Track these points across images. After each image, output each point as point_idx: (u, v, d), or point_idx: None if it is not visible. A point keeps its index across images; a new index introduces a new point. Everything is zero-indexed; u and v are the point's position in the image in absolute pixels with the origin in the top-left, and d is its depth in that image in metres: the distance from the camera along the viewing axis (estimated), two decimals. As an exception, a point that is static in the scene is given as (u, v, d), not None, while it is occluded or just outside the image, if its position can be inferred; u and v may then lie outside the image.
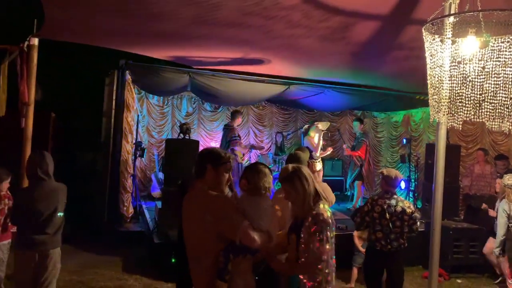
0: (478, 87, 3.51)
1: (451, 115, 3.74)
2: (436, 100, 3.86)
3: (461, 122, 3.69)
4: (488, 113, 3.51)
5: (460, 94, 3.60)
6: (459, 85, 3.60)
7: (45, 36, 5.57)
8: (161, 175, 9.50)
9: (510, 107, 3.45)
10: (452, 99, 3.67)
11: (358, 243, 5.95)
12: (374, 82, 9.22)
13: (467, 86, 3.57)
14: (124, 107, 7.86)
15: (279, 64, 7.67)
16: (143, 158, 9.65)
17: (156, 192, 9.58)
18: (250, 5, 4.45)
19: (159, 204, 7.42)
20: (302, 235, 2.81)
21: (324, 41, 5.83)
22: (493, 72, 3.44)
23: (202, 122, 11.12)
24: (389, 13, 4.73)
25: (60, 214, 3.89)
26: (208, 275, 2.70)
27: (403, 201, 4.62)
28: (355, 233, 6.04)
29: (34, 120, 5.61)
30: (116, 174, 7.87)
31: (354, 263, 5.99)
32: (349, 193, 10.11)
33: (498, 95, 3.46)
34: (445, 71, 3.70)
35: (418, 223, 4.66)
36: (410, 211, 4.55)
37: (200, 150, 3.79)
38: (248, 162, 10.53)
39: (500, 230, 5.76)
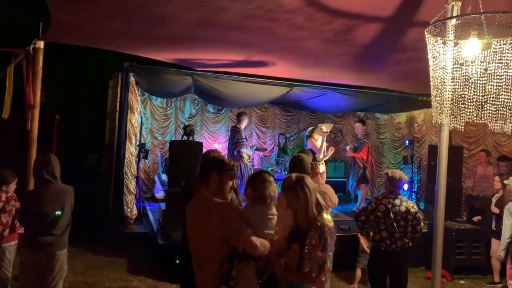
0: (481, 88, 3.53)
1: (453, 116, 3.76)
2: (438, 101, 3.88)
3: (463, 124, 3.72)
4: (490, 114, 3.53)
5: (463, 95, 3.62)
6: (462, 87, 3.62)
7: (50, 39, 5.62)
8: (164, 177, 9.55)
9: (512, 109, 3.47)
10: (454, 100, 3.70)
11: (364, 243, 5.97)
12: (376, 84, 9.24)
13: (470, 88, 3.59)
14: (128, 109, 7.90)
15: (282, 66, 7.71)
16: (146, 160, 9.69)
17: (160, 194, 9.63)
18: (253, 8, 4.48)
19: (163, 205, 7.47)
20: (307, 246, 2.83)
21: (327, 44, 5.85)
22: (495, 74, 3.46)
23: (205, 124, 11.17)
24: (391, 15, 4.75)
25: (58, 213, 3.86)
26: (212, 280, 2.73)
27: (407, 201, 4.64)
28: (361, 236, 6.06)
29: (39, 122, 5.67)
30: (120, 176, 7.91)
31: (358, 264, 6.01)
32: (352, 195, 10.09)
33: (500, 97, 3.48)
34: (447, 73, 3.72)
35: (422, 223, 4.67)
36: (414, 211, 4.57)
37: (204, 152, 3.80)
38: (252, 164, 10.58)
39: (506, 232, 5.73)
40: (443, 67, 3.74)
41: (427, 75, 3.85)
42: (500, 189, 6.40)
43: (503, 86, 3.46)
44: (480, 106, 3.57)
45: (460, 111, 3.67)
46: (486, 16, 3.40)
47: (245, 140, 8.60)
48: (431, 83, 3.89)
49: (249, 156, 8.74)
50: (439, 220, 4.40)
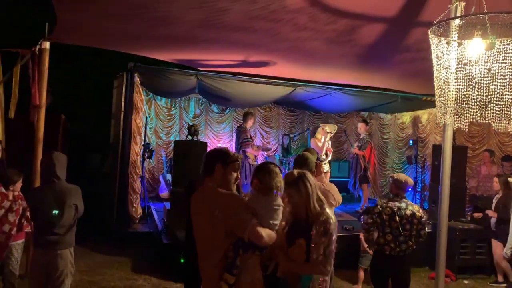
0: (484, 88, 3.54)
1: (457, 116, 3.77)
2: (442, 101, 3.89)
3: (467, 124, 3.73)
4: (494, 114, 3.54)
5: (467, 95, 3.64)
6: (465, 87, 3.63)
7: (56, 40, 5.66)
8: (169, 176, 9.58)
9: (516, 109, 3.48)
10: (458, 100, 3.71)
11: (366, 244, 5.97)
12: (380, 84, 9.24)
13: (473, 88, 3.60)
14: (133, 109, 7.94)
15: (285, 66, 7.72)
16: (151, 160, 9.73)
17: (164, 193, 9.67)
18: (257, 9, 4.51)
19: (167, 205, 7.50)
20: (313, 239, 2.89)
21: (331, 44, 5.87)
22: (499, 74, 3.47)
23: (209, 123, 11.20)
24: (395, 16, 4.76)
25: (55, 212, 3.89)
26: (216, 270, 2.75)
27: (412, 205, 4.63)
28: (362, 235, 6.08)
29: (45, 122, 5.71)
30: (124, 176, 7.95)
31: (360, 264, 6.03)
32: (356, 195, 10.09)
33: (504, 97, 3.49)
34: (451, 73, 3.73)
35: (426, 228, 4.67)
36: (420, 215, 4.55)
37: (208, 151, 3.84)
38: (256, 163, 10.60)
39: None
40: (447, 67, 3.75)
41: (431, 75, 3.86)
42: (500, 190, 6.40)
43: (507, 86, 3.47)
44: (484, 106, 3.58)
45: (464, 111, 3.69)
46: (490, 16, 3.41)
47: (250, 139, 8.62)
48: (435, 83, 3.90)
49: (255, 156, 8.76)
50: (443, 220, 4.40)
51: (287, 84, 8.95)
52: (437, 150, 7.99)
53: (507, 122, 3.53)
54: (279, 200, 2.90)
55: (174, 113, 10.85)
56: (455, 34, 3.67)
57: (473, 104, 3.60)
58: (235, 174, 2.96)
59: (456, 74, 3.69)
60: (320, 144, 8.50)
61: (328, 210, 3.01)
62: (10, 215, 4.36)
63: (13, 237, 4.50)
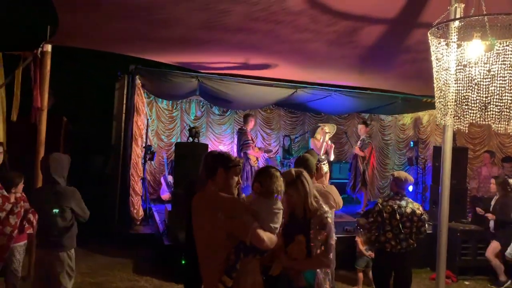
0: (484, 89, 3.56)
1: (457, 117, 3.79)
2: (442, 103, 3.91)
3: (467, 125, 3.75)
4: (494, 115, 3.56)
5: (466, 97, 3.66)
6: (465, 88, 3.65)
7: (58, 43, 5.70)
8: (170, 178, 9.60)
9: (516, 110, 3.50)
10: (458, 102, 3.73)
11: (362, 246, 6.02)
12: (381, 85, 9.25)
13: (473, 89, 3.62)
14: (134, 111, 7.96)
15: (286, 68, 7.75)
16: (152, 162, 9.75)
17: (166, 195, 9.69)
18: (257, 11, 4.54)
19: (168, 206, 7.51)
20: (312, 234, 2.96)
21: (332, 45, 5.89)
22: (499, 75, 3.49)
23: (211, 125, 11.21)
24: (396, 17, 4.79)
25: (56, 211, 3.95)
26: (217, 272, 2.78)
27: (412, 203, 4.66)
28: (358, 238, 6.11)
29: (46, 125, 5.74)
30: (126, 178, 7.98)
31: (357, 266, 6.06)
32: (353, 196, 10.04)
33: (504, 98, 3.51)
34: (451, 74, 3.75)
35: (427, 225, 4.69)
36: (420, 212, 4.58)
37: (207, 152, 3.85)
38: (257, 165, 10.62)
39: None
40: (447, 69, 3.77)
41: (431, 76, 3.88)
42: (497, 191, 6.41)
43: (507, 87, 3.49)
44: (483, 107, 3.60)
45: (464, 112, 3.71)
46: (489, 18, 3.43)
47: (251, 141, 8.62)
48: (435, 85, 3.92)
49: (256, 158, 8.77)
50: (443, 220, 4.43)
51: (288, 86, 8.97)
52: (438, 151, 8.00)
53: (506, 123, 3.55)
54: (280, 204, 2.93)
55: (175, 115, 10.87)
56: (454, 35, 3.69)
57: (473, 105, 3.62)
58: (236, 178, 2.99)
59: (456, 75, 3.71)
60: (318, 145, 8.48)
61: (324, 205, 3.09)
62: (11, 218, 4.38)
63: (15, 239, 4.52)
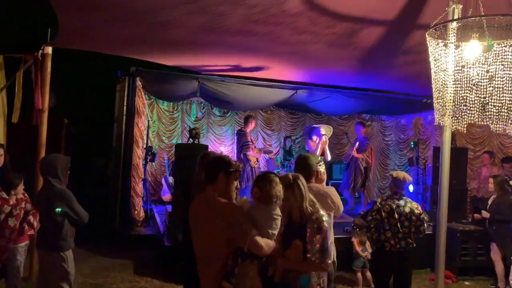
0: (482, 90, 3.57)
1: (455, 118, 3.81)
2: (440, 103, 3.93)
3: (465, 125, 3.77)
4: (492, 115, 3.58)
5: (464, 97, 3.67)
6: (463, 89, 3.67)
7: (58, 45, 5.74)
8: (171, 179, 9.62)
9: (514, 110, 3.51)
10: (456, 102, 3.75)
11: (358, 247, 6.04)
12: (381, 86, 9.26)
13: (471, 90, 3.63)
14: (135, 113, 7.99)
15: (286, 69, 7.78)
16: (153, 163, 9.78)
17: (167, 196, 9.71)
18: (256, 13, 4.56)
19: (169, 207, 7.54)
20: (308, 237, 2.97)
21: (331, 47, 5.91)
22: (497, 76, 3.51)
23: (211, 127, 11.24)
24: (395, 18, 4.80)
25: (58, 209, 4.00)
26: (216, 278, 2.79)
27: (411, 202, 4.68)
28: (354, 239, 6.13)
29: (48, 126, 5.78)
30: (127, 179, 8.00)
31: (354, 267, 6.08)
32: (350, 199, 10.00)
33: (502, 98, 3.52)
34: (449, 75, 3.77)
35: (426, 224, 4.71)
36: (418, 212, 4.61)
37: (203, 154, 3.86)
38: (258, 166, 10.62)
39: None
40: (445, 70, 3.79)
41: (431, 77, 3.90)
42: (495, 191, 6.40)
43: (504, 88, 3.50)
44: (482, 108, 3.62)
45: (462, 112, 3.73)
46: (487, 19, 3.45)
47: (250, 143, 8.63)
48: (433, 85, 3.94)
49: (256, 159, 8.78)
50: (442, 221, 4.44)
51: (288, 87, 9.01)
52: (438, 152, 7.99)
53: (504, 123, 3.56)
54: (278, 210, 2.95)
55: (176, 116, 10.91)
56: (452, 36, 3.71)
57: (471, 105, 3.64)
58: (236, 183, 3.02)
59: (454, 76, 3.73)
60: (314, 146, 8.48)
61: (321, 212, 3.09)
62: (10, 220, 4.40)
63: (15, 240, 4.54)
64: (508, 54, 3.44)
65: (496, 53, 3.48)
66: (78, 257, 4.25)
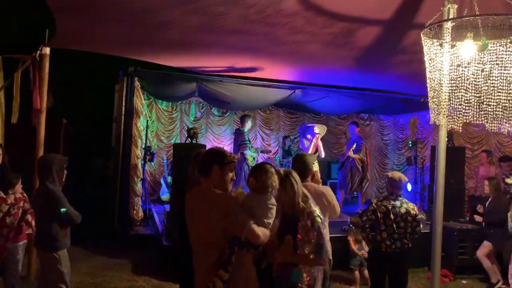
0: (477, 89, 3.59)
1: (450, 117, 3.83)
2: (436, 103, 3.95)
3: (461, 124, 3.78)
4: (487, 115, 3.59)
5: (459, 96, 3.69)
6: (459, 88, 3.69)
7: (56, 45, 5.76)
8: (170, 179, 9.65)
9: (509, 109, 3.53)
10: (451, 101, 3.76)
11: (354, 246, 6.07)
12: (379, 86, 9.28)
13: (466, 89, 3.65)
14: (133, 113, 8.02)
15: (284, 69, 7.79)
16: (152, 163, 9.80)
17: (165, 196, 9.74)
18: (253, 13, 4.58)
19: (168, 207, 7.56)
20: (299, 233, 2.99)
21: (328, 47, 5.93)
22: (492, 75, 3.53)
23: (210, 126, 11.27)
24: (391, 18, 4.82)
25: (64, 209, 4.05)
26: (212, 267, 2.82)
27: (407, 203, 4.69)
28: (350, 238, 6.15)
29: (46, 126, 5.80)
30: (126, 179, 8.04)
31: (351, 266, 6.10)
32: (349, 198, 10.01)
33: (496, 97, 3.54)
34: (444, 74, 3.79)
35: (421, 225, 4.73)
36: (414, 213, 4.62)
37: (196, 152, 3.89)
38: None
39: None
40: (440, 69, 3.80)
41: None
42: (490, 193, 6.41)
43: (499, 87, 3.52)
44: (477, 107, 3.63)
45: (457, 112, 3.74)
46: (482, 18, 3.46)
47: (247, 142, 8.65)
48: (428, 85, 3.96)
49: (254, 158, 8.80)
50: (438, 219, 4.44)
51: (286, 87, 9.04)
52: (435, 151, 8.01)
53: (499, 122, 3.58)
54: (273, 200, 2.98)
55: (175, 116, 10.94)
56: (447, 36, 3.73)
57: (466, 105, 3.66)
58: (231, 174, 3.03)
59: (449, 75, 3.75)
60: (307, 144, 8.52)
61: (313, 207, 3.12)
62: (8, 219, 4.43)
63: (14, 239, 4.57)
64: (503, 53, 3.46)
65: (490, 53, 3.49)
66: (76, 257, 4.30)
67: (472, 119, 3.66)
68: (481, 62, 3.56)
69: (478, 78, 3.58)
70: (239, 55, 6.76)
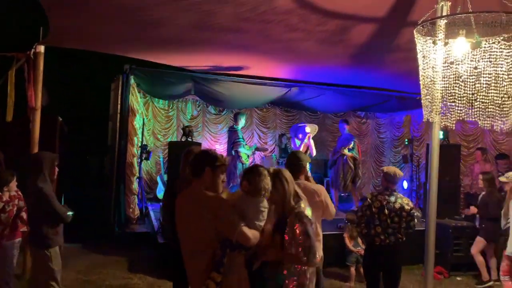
0: (470, 86, 3.60)
1: (444, 114, 3.84)
2: (429, 100, 3.97)
3: (454, 122, 3.79)
4: (480, 112, 3.61)
5: (453, 93, 3.70)
6: (452, 85, 3.70)
7: (50, 44, 5.75)
8: (166, 177, 9.65)
9: (501, 106, 3.54)
10: (444, 99, 3.77)
11: (349, 243, 6.08)
12: (375, 83, 9.30)
13: (459, 86, 3.66)
14: (129, 111, 8.02)
15: (280, 67, 7.80)
16: (148, 161, 9.81)
17: (162, 194, 9.73)
18: (246, 11, 4.58)
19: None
20: (287, 234, 2.97)
21: (323, 44, 5.94)
22: (485, 72, 3.53)
23: (207, 125, 11.28)
24: (385, 16, 4.83)
25: (70, 213, 4.08)
26: (204, 269, 2.82)
27: (402, 198, 4.70)
28: (345, 234, 6.17)
29: (41, 125, 5.80)
30: (122, 177, 8.03)
31: (347, 262, 6.12)
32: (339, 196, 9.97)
33: (489, 94, 3.55)
34: (437, 71, 3.80)
35: (416, 220, 4.74)
36: (409, 208, 4.63)
37: (187, 150, 3.87)
38: (253, 164, 10.64)
39: None
40: (433, 66, 3.81)
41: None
42: (484, 187, 6.42)
43: (492, 84, 3.53)
44: (470, 104, 3.65)
45: (450, 109, 3.76)
46: (475, 16, 3.47)
47: (241, 139, 8.66)
48: (421, 82, 3.97)
49: (248, 156, 8.80)
50: (431, 216, 4.46)
51: (282, 85, 9.04)
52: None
53: (492, 119, 3.60)
54: (266, 202, 3.00)
55: (171, 114, 10.94)
56: (440, 33, 3.73)
57: (459, 102, 3.67)
58: (222, 176, 3.04)
59: (442, 72, 3.76)
60: (298, 144, 8.55)
61: (303, 205, 3.09)
62: (3, 216, 4.44)
63: (8, 237, 4.57)
64: (495, 51, 3.47)
65: (483, 50, 3.50)
66: (72, 254, 4.30)
67: (465, 116, 3.67)
68: (474, 59, 3.57)
69: (471, 76, 3.59)
70: (235, 53, 6.76)
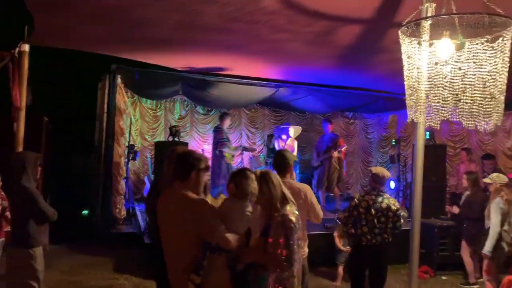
0: (454, 87, 3.63)
1: (428, 115, 3.87)
2: (413, 100, 3.99)
3: (439, 122, 3.82)
4: (464, 112, 3.64)
5: (437, 94, 3.73)
6: (436, 86, 3.73)
7: (35, 43, 5.69)
8: (153, 177, 9.61)
9: (484, 106, 3.58)
10: (429, 99, 3.80)
11: (339, 242, 6.09)
12: (362, 84, 9.34)
13: (444, 87, 3.69)
14: (116, 110, 7.96)
15: (267, 67, 7.80)
16: (136, 161, 9.75)
17: (149, 194, 9.68)
18: (232, 11, 4.57)
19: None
20: (270, 236, 2.94)
21: (310, 45, 5.96)
22: (468, 73, 3.57)
23: (195, 125, 11.25)
24: (371, 17, 4.85)
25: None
26: (185, 272, 2.83)
27: (389, 199, 4.74)
28: (336, 233, 6.18)
29: (26, 124, 5.73)
30: (108, 177, 7.98)
31: (337, 261, 6.12)
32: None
33: (473, 95, 3.59)
34: (421, 72, 3.82)
35: (402, 220, 4.77)
36: (395, 208, 4.67)
37: (171, 150, 3.83)
38: (241, 163, 10.64)
39: (495, 228, 5.33)
40: (418, 67, 3.84)
41: (404, 75, 3.95)
42: (469, 187, 6.45)
43: (475, 84, 3.56)
44: (454, 104, 3.68)
45: (435, 109, 3.79)
46: (458, 17, 3.50)
47: (226, 139, 8.65)
48: (405, 82, 3.99)
49: (232, 156, 8.81)
50: (416, 216, 4.49)
51: (270, 85, 9.05)
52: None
53: (475, 119, 3.63)
54: (250, 207, 3.01)
55: (159, 114, 10.90)
56: (425, 34, 3.76)
57: (443, 102, 3.70)
58: (205, 178, 3.07)
59: (427, 73, 3.79)
60: (281, 144, 8.61)
61: (289, 208, 3.02)
62: (-13, 216, 4.40)
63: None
64: (479, 52, 3.51)
65: (468, 50, 3.54)
66: (57, 255, 4.26)
67: (449, 116, 3.70)
68: (458, 60, 3.61)
69: (455, 76, 3.62)
70: (222, 53, 6.75)
